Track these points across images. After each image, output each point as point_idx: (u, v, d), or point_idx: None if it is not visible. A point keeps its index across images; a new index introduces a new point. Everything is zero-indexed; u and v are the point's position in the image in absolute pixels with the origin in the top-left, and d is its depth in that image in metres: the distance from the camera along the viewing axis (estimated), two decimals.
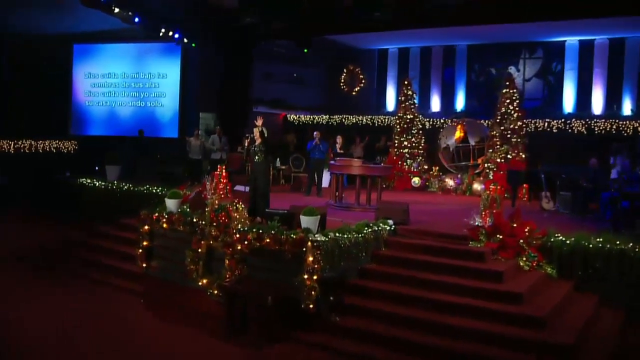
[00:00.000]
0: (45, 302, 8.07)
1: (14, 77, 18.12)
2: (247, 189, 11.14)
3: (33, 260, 10.24)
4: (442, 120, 18.63)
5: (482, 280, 7.15)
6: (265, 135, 8.59)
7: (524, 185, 13.11)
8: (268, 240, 7.24)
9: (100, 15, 15.01)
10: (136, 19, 13.81)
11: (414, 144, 15.80)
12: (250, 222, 7.89)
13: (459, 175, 14.94)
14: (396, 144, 15.93)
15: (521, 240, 7.91)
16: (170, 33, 15.66)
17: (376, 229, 8.17)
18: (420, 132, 16.01)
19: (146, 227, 8.77)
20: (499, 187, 8.90)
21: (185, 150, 15.36)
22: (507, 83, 14.25)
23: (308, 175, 13.76)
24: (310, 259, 6.86)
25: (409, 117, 15.87)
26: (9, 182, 15.77)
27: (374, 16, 12.49)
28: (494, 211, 8.58)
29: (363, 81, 22.67)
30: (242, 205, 7.81)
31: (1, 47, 17.50)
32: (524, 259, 7.78)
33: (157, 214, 8.64)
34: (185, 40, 16.58)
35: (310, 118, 21.18)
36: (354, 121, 20.20)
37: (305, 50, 17.65)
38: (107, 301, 8.32)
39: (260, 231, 7.40)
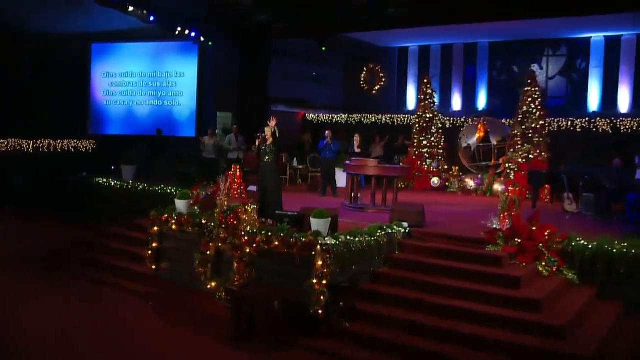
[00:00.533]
0: (45, 302, 7.98)
1: (32, 76, 18.22)
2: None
3: (39, 260, 10.18)
4: (462, 119, 18.26)
5: (499, 286, 6.85)
6: (277, 135, 8.40)
7: (546, 186, 12.70)
8: (277, 243, 7.06)
9: (117, 14, 15.03)
10: (151, 18, 13.73)
11: (433, 144, 15.49)
12: (259, 224, 7.71)
13: (480, 176, 14.57)
14: (415, 144, 15.64)
15: (540, 244, 7.59)
16: (187, 32, 15.59)
17: (390, 231, 7.92)
18: (440, 131, 15.69)
19: (155, 229, 8.68)
20: (518, 189, 8.57)
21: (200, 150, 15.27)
22: (529, 81, 13.84)
23: (321, 175, 13.56)
24: (320, 263, 6.65)
25: (428, 116, 15.56)
26: (24, 181, 15.85)
27: (388, 13, 12.23)
28: (513, 213, 8.29)
29: (383, 80, 22.42)
30: (252, 207, 7.63)
31: (20, 47, 17.56)
32: (543, 263, 7.46)
33: (166, 215, 8.52)
34: (202, 38, 16.51)
35: (329, 117, 20.96)
36: (374, 120, 19.92)
37: (323, 49, 17.48)
38: (114, 302, 8.18)
39: (270, 234, 7.22)
